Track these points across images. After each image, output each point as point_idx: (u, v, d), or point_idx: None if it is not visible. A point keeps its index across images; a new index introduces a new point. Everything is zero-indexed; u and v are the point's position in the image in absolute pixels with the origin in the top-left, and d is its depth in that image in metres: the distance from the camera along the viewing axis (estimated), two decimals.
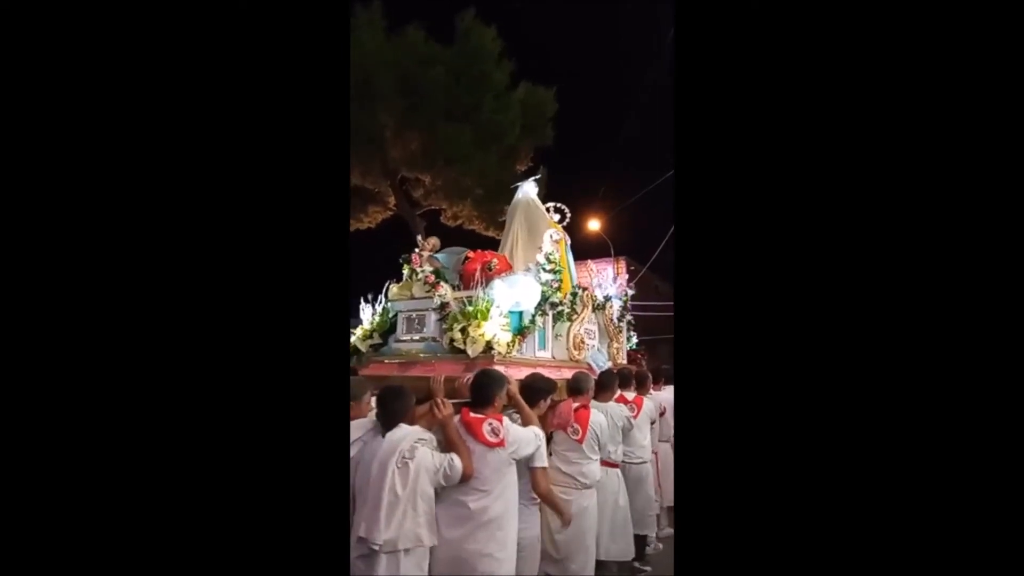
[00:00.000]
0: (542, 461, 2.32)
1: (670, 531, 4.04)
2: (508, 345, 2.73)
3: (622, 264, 13.30)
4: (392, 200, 10.05)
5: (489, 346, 2.67)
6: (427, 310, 2.95)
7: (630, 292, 4.54)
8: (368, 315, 3.23)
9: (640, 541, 3.49)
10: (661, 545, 3.85)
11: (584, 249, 13.01)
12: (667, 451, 4.15)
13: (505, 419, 2.23)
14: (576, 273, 4.02)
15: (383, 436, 1.99)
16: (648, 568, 3.49)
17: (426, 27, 8.89)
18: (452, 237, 9.73)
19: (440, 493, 2.06)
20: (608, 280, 4.33)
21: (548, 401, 2.58)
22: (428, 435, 2.08)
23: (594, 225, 12.87)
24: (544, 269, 3.11)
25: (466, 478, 2.03)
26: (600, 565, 2.99)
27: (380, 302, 3.22)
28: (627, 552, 3.10)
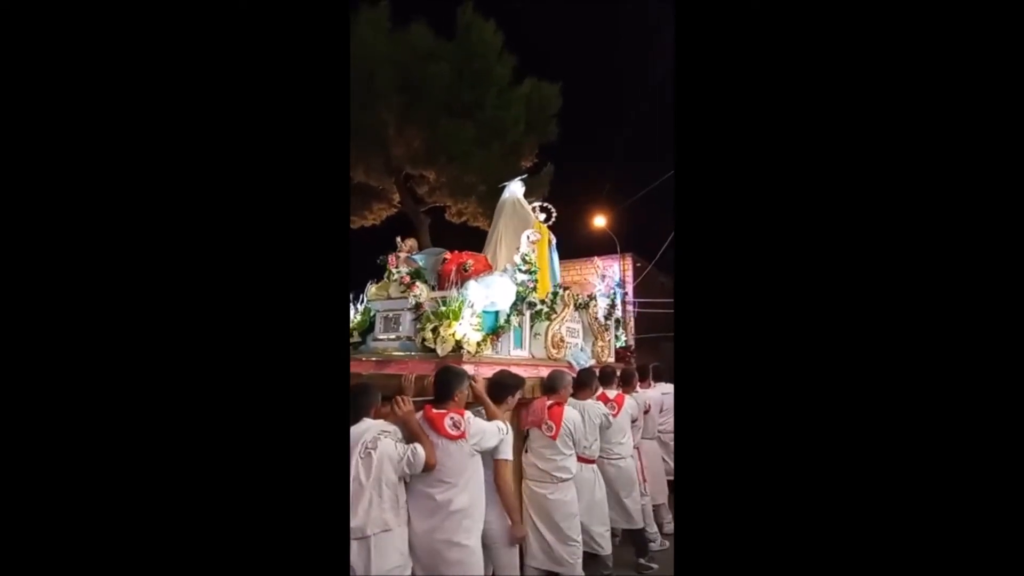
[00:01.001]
0: (506, 454, 2.40)
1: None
2: (478, 345, 2.79)
3: (628, 261, 13.23)
4: (396, 197, 10.12)
5: (459, 345, 2.73)
6: (402, 310, 3.03)
7: (619, 291, 4.56)
8: (350, 314, 3.31)
9: (639, 537, 3.55)
10: (667, 543, 3.87)
11: (590, 245, 13.00)
12: (653, 448, 4.19)
13: (467, 413, 2.31)
14: (559, 272, 4.05)
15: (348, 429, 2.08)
16: (655, 565, 3.52)
17: (428, 22, 8.90)
18: (456, 234, 9.80)
19: (409, 486, 2.15)
20: (598, 278, 4.37)
21: (516, 397, 2.64)
22: (392, 427, 2.17)
23: (600, 221, 12.83)
24: (520, 270, 3.16)
25: (429, 467, 2.12)
26: (595, 560, 3.06)
27: (362, 301, 3.31)
28: (605, 547, 3.14)
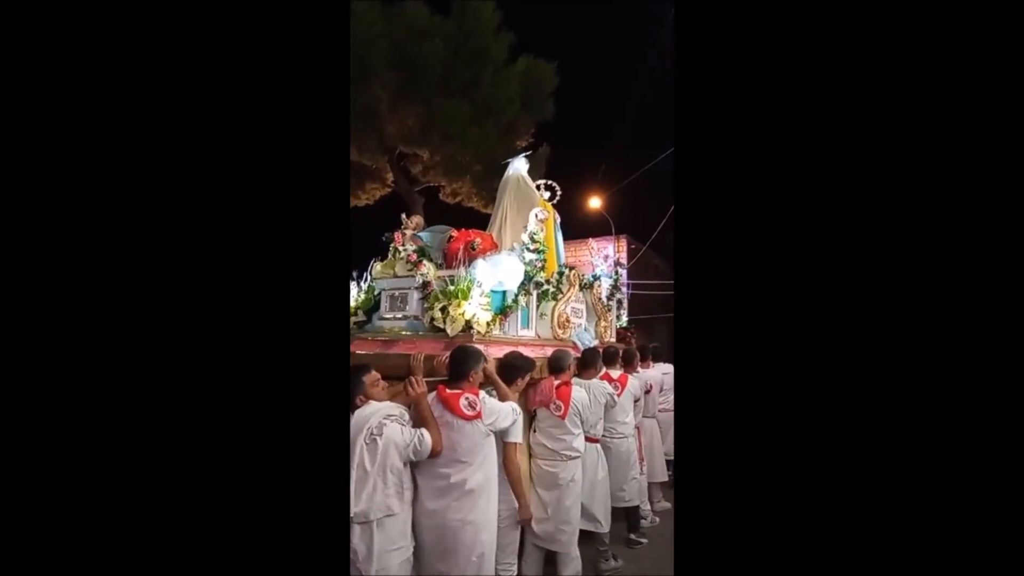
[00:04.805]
0: (516, 437, 2.38)
1: (666, 505, 4.21)
2: (488, 324, 2.75)
3: (623, 242, 13.23)
4: (390, 176, 9.96)
5: (468, 325, 2.69)
6: (409, 288, 2.98)
7: (621, 271, 4.55)
8: (353, 292, 3.25)
9: (633, 513, 3.63)
10: (658, 519, 3.99)
11: (585, 227, 12.97)
12: (652, 427, 4.24)
13: (482, 393, 2.28)
14: (564, 251, 4.02)
15: (352, 413, 2.04)
16: (644, 540, 3.62)
17: None
18: (451, 214, 9.70)
19: (422, 466, 2.12)
20: (601, 258, 4.35)
21: (526, 379, 2.62)
22: (399, 410, 2.13)
23: (595, 203, 12.78)
24: (528, 248, 3.11)
25: (435, 453, 2.09)
26: (590, 536, 3.10)
27: (365, 279, 3.25)
28: (604, 524, 3.18)
